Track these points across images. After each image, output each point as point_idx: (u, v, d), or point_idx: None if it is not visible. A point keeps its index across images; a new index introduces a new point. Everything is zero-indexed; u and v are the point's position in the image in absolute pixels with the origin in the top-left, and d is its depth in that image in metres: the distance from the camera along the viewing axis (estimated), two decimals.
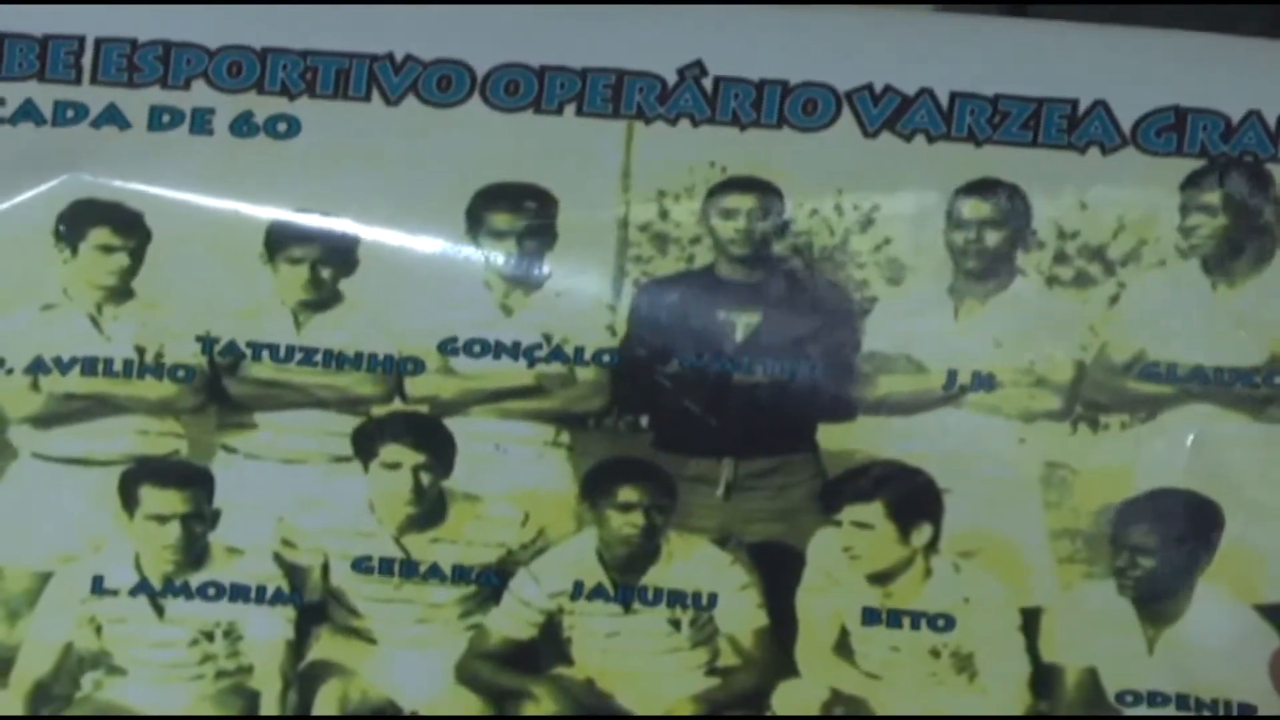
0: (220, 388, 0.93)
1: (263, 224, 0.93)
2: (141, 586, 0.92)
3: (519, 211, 0.93)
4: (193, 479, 0.93)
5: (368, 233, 0.93)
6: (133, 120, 0.93)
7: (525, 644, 0.92)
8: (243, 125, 0.92)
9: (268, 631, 0.92)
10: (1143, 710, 0.89)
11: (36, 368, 0.93)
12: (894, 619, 0.91)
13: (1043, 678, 0.91)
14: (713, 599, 0.92)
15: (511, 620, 0.92)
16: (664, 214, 0.93)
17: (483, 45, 0.92)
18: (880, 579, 0.92)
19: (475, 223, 0.93)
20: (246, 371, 0.93)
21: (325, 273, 0.93)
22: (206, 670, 0.92)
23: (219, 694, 0.92)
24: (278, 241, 0.93)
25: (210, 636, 0.92)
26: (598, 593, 0.92)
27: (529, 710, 0.91)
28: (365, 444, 0.93)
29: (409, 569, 0.92)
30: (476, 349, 0.93)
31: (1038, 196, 0.92)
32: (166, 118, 0.92)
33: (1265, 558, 0.90)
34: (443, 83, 0.92)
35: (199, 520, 0.92)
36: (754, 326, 0.92)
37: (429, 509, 0.93)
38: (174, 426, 0.94)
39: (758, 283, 0.93)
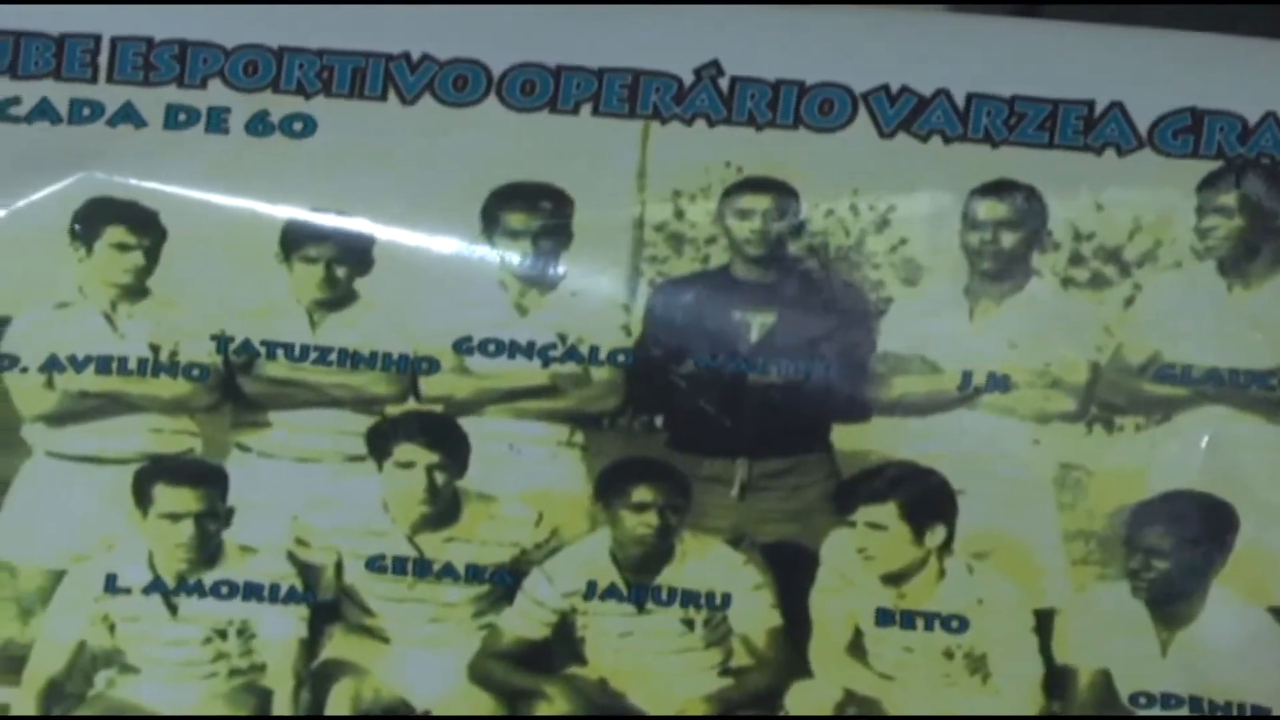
0: (235, 386, 0.93)
1: (278, 223, 0.93)
2: (155, 585, 0.92)
3: (534, 211, 0.93)
4: (206, 477, 0.93)
5: (383, 232, 0.93)
6: (149, 119, 0.93)
7: (538, 644, 0.92)
8: (258, 124, 0.92)
9: (281, 630, 0.92)
10: (1156, 712, 0.89)
11: (51, 366, 0.93)
12: (907, 620, 0.91)
13: (1056, 679, 0.90)
14: (726, 599, 0.92)
15: (525, 620, 0.92)
16: (679, 214, 0.93)
17: (499, 45, 0.92)
18: (894, 580, 0.92)
19: (490, 222, 0.93)
20: (261, 370, 0.93)
21: (340, 272, 0.94)
22: (219, 669, 0.92)
23: (232, 692, 0.92)
24: (293, 240, 0.93)
25: (223, 635, 0.92)
26: (611, 593, 0.92)
27: (542, 710, 0.91)
28: (379, 443, 0.93)
29: (422, 568, 0.92)
30: (491, 348, 0.93)
31: (1054, 198, 0.92)
32: (182, 116, 0.92)
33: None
34: (459, 82, 0.92)
35: (213, 519, 0.92)
36: (769, 327, 0.92)
37: (443, 508, 0.93)
38: (188, 425, 0.94)
39: (773, 283, 0.93)
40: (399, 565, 0.92)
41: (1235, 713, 0.89)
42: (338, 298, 0.94)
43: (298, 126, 0.92)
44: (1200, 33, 0.92)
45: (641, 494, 0.92)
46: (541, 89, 0.92)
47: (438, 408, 0.93)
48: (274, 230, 0.93)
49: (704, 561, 0.92)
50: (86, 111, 0.93)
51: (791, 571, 0.92)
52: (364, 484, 0.93)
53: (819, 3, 0.95)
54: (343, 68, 0.92)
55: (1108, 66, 0.91)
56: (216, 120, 0.92)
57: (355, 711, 0.92)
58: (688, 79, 0.92)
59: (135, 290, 0.94)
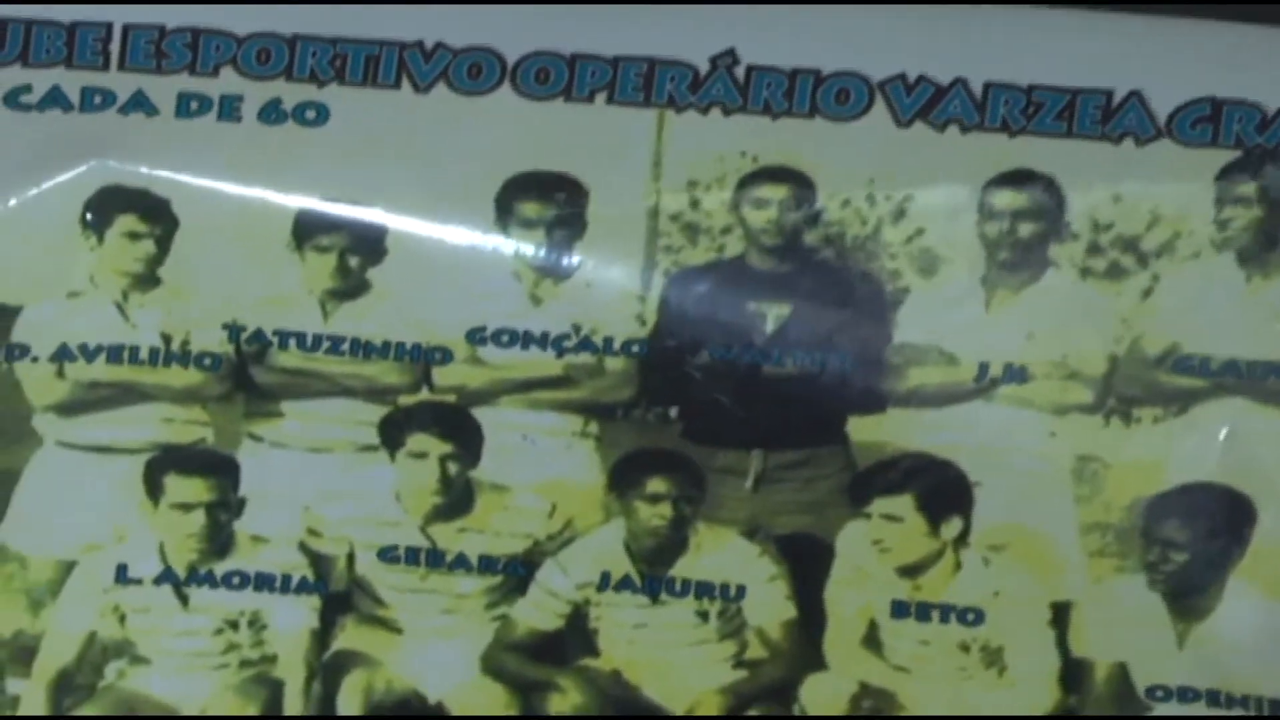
0: (247, 376, 0.93)
1: (291, 212, 0.92)
2: (166, 575, 0.92)
3: (549, 201, 0.92)
4: (218, 467, 0.92)
5: (396, 221, 0.92)
6: (160, 107, 0.92)
7: (552, 635, 0.92)
8: (271, 112, 0.92)
9: (292, 621, 0.92)
10: (1173, 706, 0.89)
11: (62, 355, 0.92)
12: (923, 612, 0.91)
13: (1072, 672, 0.90)
14: (741, 591, 0.91)
15: (538, 611, 0.92)
16: (695, 204, 0.92)
17: (513, 33, 0.92)
18: (909, 572, 0.91)
19: (504, 212, 0.92)
20: (273, 360, 0.93)
21: (353, 261, 0.93)
22: (230, 660, 0.92)
23: (243, 684, 0.92)
24: (305, 230, 0.93)
25: (234, 626, 0.92)
26: (625, 584, 0.91)
27: (555, 701, 0.91)
28: (392, 433, 0.92)
29: (435, 559, 0.92)
30: (505, 339, 0.92)
31: (1071, 188, 0.91)
32: (194, 105, 0.92)
33: None
34: (473, 71, 0.92)
35: (224, 509, 0.92)
36: (784, 318, 0.92)
37: (456, 499, 0.92)
38: (200, 415, 0.93)
39: (789, 274, 0.93)
40: (411, 556, 0.92)
41: (1253, 707, 0.88)
42: (350, 287, 0.93)
43: (310, 115, 0.92)
44: (1219, 22, 0.91)
45: (656, 485, 0.92)
46: (556, 77, 0.91)
47: (451, 398, 0.92)
48: (286, 219, 0.92)
49: (718, 553, 0.92)
50: (98, 100, 0.92)
51: (806, 563, 0.91)
52: (376, 474, 0.92)
53: None
54: (356, 56, 0.92)
55: (1126, 55, 0.91)
56: (229, 108, 0.92)
57: (367, 703, 0.91)
58: (703, 68, 0.91)
59: (147, 279, 0.93)
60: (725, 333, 0.92)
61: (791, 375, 0.91)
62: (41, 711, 0.91)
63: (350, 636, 0.93)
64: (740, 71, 0.91)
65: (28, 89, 0.92)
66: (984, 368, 0.91)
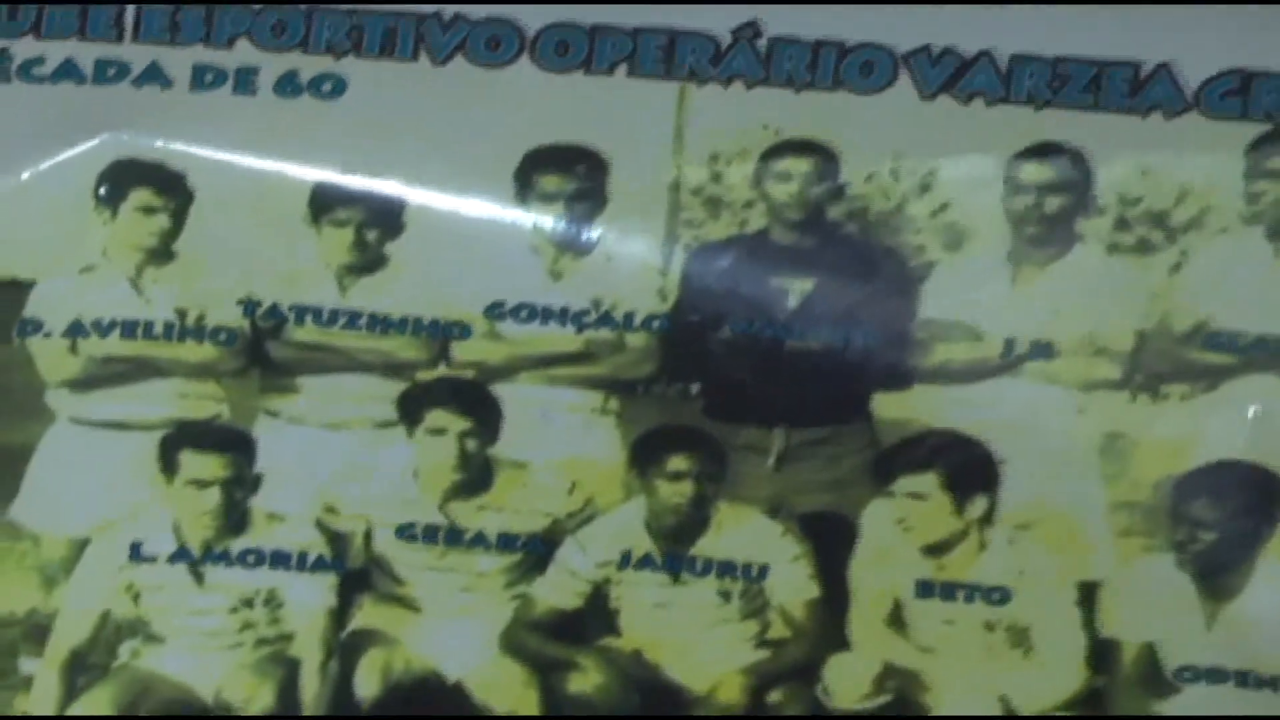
0: (262, 351, 0.92)
1: (307, 185, 0.91)
2: (181, 553, 0.91)
3: (569, 174, 0.91)
4: (233, 443, 0.91)
5: (414, 195, 0.91)
6: (175, 79, 0.91)
7: (571, 614, 0.91)
8: (287, 85, 0.91)
9: (309, 599, 0.91)
10: (1201, 686, 0.88)
11: (75, 330, 0.91)
12: (948, 592, 0.89)
13: (1100, 652, 0.89)
14: (763, 570, 0.90)
15: (558, 590, 0.91)
16: (717, 177, 0.91)
17: (533, 5, 0.90)
18: (934, 551, 0.90)
19: (524, 186, 0.91)
20: (289, 335, 0.92)
21: (370, 235, 0.92)
22: (246, 638, 0.91)
23: (259, 662, 0.91)
24: (322, 203, 0.92)
25: (250, 604, 0.91)
26: (646, 563, 0.90)
27: (575, 681, 0.90)
28: (410, 409, 0.91)
29: (453, 537, 0.91)
30: (524, 314, 0.91)
31: (1099, 161, 0.90)
32: (210, 77, 0.91)
33: None
34: (492, 43, 0.90)
35: (240, 486, 0.91)
36: (808, 293, 0.90)
37: (474, 476, 0.91)
38: (215, 390, 0.92)
39: (812, 248, 0.91)
40: (430, 534, 0.91)
41: None
42: (368, 262, 0.92)
43: (327, 87, 0.91)
44: None
45: (677, 463, 0.90)
46: (576, 49, 0.90)
47: (469, 374, 0.91)
48: (303, 193, 0.91)
49: (741, 531, 0.91)
50: (111, 72, 0.91)
51: (830, 542, 0.90)
52: (394, 451, 0.91)
53: None
54: (373, 27, 0.90)
55: (1155, 27, 0.89)
56: (244, 81, 0.91)
57: (385, 682, 0.90)
58: (725, 39, 0.90)
59: (161, 253, 0.92)
60: (747, 308, 0.90)
61: (815, 351, 0.90)
62: (55, 690, 0.90)
63: (368, 615, 0.91)
64: (763, 43, 0.90)
65: (40, 61, 0.91)
66: (1010, 344, 0.90)
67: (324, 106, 0.91)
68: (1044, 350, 0.90)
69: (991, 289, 0.91)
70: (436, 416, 0.91)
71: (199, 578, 0.91)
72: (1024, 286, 0.91)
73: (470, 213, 0.91)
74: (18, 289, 0.91)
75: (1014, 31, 0.90)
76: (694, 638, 0.90)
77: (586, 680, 0.90)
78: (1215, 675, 0.88)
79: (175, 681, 0.90)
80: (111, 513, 0.91)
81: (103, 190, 0.92)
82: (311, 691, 0.90)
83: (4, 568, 0.91)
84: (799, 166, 0.91)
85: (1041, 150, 0.90)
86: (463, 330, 0.91)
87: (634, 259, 0.91)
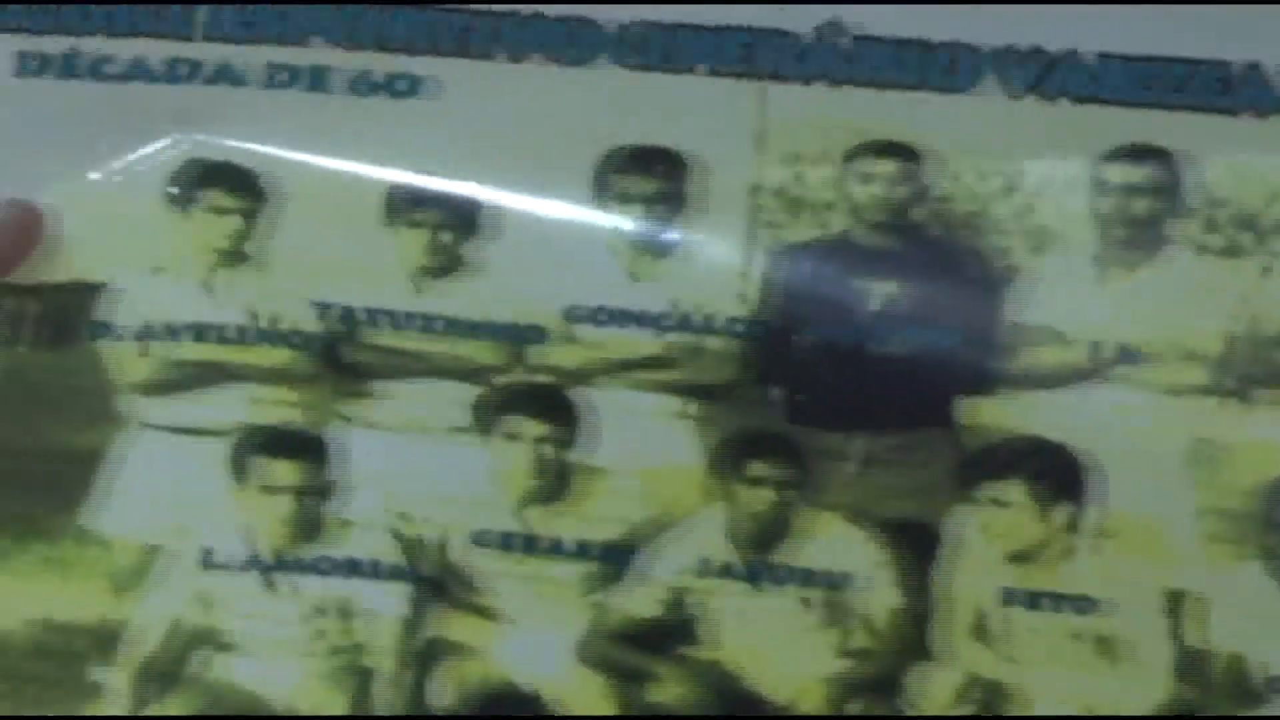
0: (336, 355, 0.90)
1: (382, 186, 0.90)
2: (253, 560, 0.89)
3: (648, 175, 0.89)
4: (307, 449, 0.90)
5: (490, 196, 0.90)
6: (248, 78, 0.90)
7: (650, 622, 0.89)
8: (362, 83, 0.89)
9: (383, 608, 0.89)
10: None
11: (146, 333, 0.90)
12: (1033, 600, 0.88)
13: (1188, 663, 0.87)
14: (845, 578, 0.89)
15: (636, 598, 0.89)
16: (798, 178, 0.89)
17: (611, 2, 0.89)
18: (1019, 559, 0.88)
19: (602, 186, 0.90)
20: (363, 338, 0.90)
21: (446, 237, 0.90)
22: (319, 647, 0.89)
23: (332, 672, 0.89)
24: (397, 204, 0.90)
25: (323, 612, 0.89)
26: (726, 571, 0.89)
27: (654, 691, 0.88)
28: (485, 414, 0.90)
29: (530, 544, 0.89)
30: (602, 317, 0.89)
31: (1188, 162, 0.88)
32: (283, 75, 0.89)
33: None
34: (570, 40, 0.89)
35: (313, 492, 0.89)
36: (891, 296, 0.89)
37: (551, 482, 0.90)
38: (288, 395, 0.91)
39: (895, 250, 0.90)
40: (505, 541, 0.89)
41: None
42: (443, 264, 0.91)
43: (403, 86, 0.89)
44: None
45: (758, 469, 0.89)
46: (656, 47, 0.89)
47: (547, 378, 0.90)
48: (378, 194, 0.90)
49: (822, 539, 0.89)
50: (184, 70, 0.90)
51: (913, 549, 0.89)
52: (469, 456, 0.90)
53: None
54: (450, 25, 0.89)
55: (1245, 25, 0.88)
56: (318, 79, 0.89)
57: (460, 691, 0.89)
58: (808, 37, 0.89)
59: (233, 255, 0.91)
60: (829, 311, 0.89)
61: (897, 355, 0.88)
62: (125, 699, 0.88)
63: (442, 624, 0.90)
64: (846, 41, 0.89)
65: (111, 59, 0.90)
66: (1096, 348, 0.88)
67: (399, 106, 0.89)
68: (1131, 355, 0.88)
69: (1077, 292, 0.89)
70: (513, 422, 0.90)
71: (271, 585, 0.89)
72: (1111, 290, 0.89)
73: (547, 214, 0.89)
74: (88, 291, 0.90)
75: (1102, 30, 0.88)
76: (774, 647, 0.89)
77: (665, 690, 0.88)
78: None
79: (246, 691, 0.89)
80: (182, 519, 0.90)
81: (174, 191, 0.90)
82: (385, 701, 0.88)
83: (73, 575, 0.90)
84: (882, 167, 0.89)
85: (1130, 151, 0.88)
86: (539, 334, 0.90)
87: (714, 261, 0.89)
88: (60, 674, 0.89)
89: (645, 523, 0.89)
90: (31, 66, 0.90)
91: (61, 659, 0.89)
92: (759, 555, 0.89)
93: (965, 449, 0.89)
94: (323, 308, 0.90)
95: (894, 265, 0.89)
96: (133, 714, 0.88)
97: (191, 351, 0.90)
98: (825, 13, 0.89)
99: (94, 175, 0.90)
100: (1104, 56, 0.88)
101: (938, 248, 0.90)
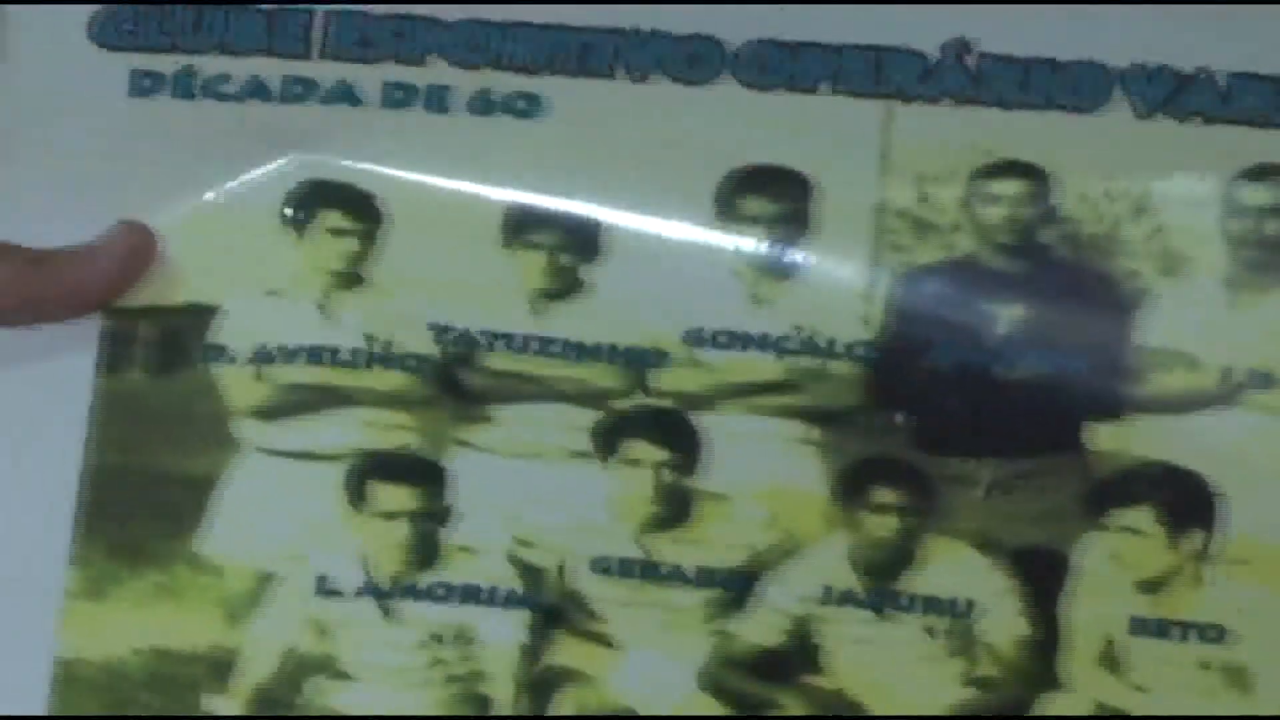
0: (453, 379, 0.89)
1: (500, 207, 0.88)
2: (368, 587, 0.88)
3: (771, 196, 0.88)
4: (424, 474, 0.88)
5: (611, 217, 0.88)
6: (365, 97, 0.88)
7: (773, 651, 0.88)
8: (481, 103, 0.88)
9: (501, 635, 0.88)
10: None
11: (261, 357, 0.89)
12: (1163, 629, 0.86)
13: None
14: (971, 606, 0.87)
15: (758, 626, 0.88)
16: (924, 199, 0.88)
17: (734, 20, 0.88)
18: (1149, 587, 0.87)
19: (725, 207, 0.88)
20: (481, 362, 0.89)
21: (565, 259, 0.89)
22: (436, 675, 0.88)
23: (449, 700, 0.88)
24: (516, 226, 0.89)
25: (440, 640, 0.88)
26: (849, 598, 0.87)
27: None
28: (605, 439, 0.88)
29: (650, 571, 0.88)
30: (724, 340, 0.88)
31: None
32: (400, 94, 0.88)
33: None
34: (692, 59, 0.88)
35: (430, 518, 0.88)
36: (1017, 319, 0.88)
37: (672, 508, 0.88)
38: (405, 419, 0.89)
39: (1022, 273, 0.88)
40: (626, 567, 0.88)
41: None
42: (562, 286, 0.89)
43: (522, 105, 0.88)
44: None
45: (882, 495, 0.87)
46: (779, 66, 0.87)
47: (667, 402, 0.88)
48: (496, 215, 0.89)
49: (948, 566, 0.88)
50: (299, 89, 0.88)
51: (1041, 577, 0.87)
52: (589, 482, 0.88)
53: None
54: (570, 43, 0.88)
55: None
56: (437, 98, 0.88)
57: None
58: (934, 56, 0.87)
59: (350, 277, 0.89)
60: (955, 335, 0.87)
61: (1025, 380, 0.87)
62: None
63: (561, 651, 0.88)
64: (972, 60, 0.87)
65: (226, 78, 0.88)
66: (1228, 372, 0.87)
67: (518, 125, 0.88)
68: (1263, 379, 0.87)
69: (1209, 315, 0.88)
70: (633, 447, 0.88)
71: (387, 612, 0.88)
72: (1243, 313, 0.88)
73: (669, 235, 0.88)
74: (202, 314, 0.89)
75: (1234, 49, 0.87)
76: (899, 676, 0.87)
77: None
78: None
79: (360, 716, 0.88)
80: (297, 545, 0.88)
81: (290, 212, 0.89)
82: None
83: (186, 601, 0.88)
84: (1009, 188, 0.88)
85: (1263, 171, 0.87)
86: (660, 357, 0.88)
87: (838, 284, 0.88)
88: (173, 703, 0.88)
89: (767, 549, 0.88)
90: (144, 86, 0.89)
91: (174, 688, 0.88)
92: (883, 583, 0.87)
93: (1093, 475, 0.88)
94: (439, 330, 0.88)
95: (1021, 288, 0.88)
96: None
97: (306, 375, 0.89)
98: (952, 31, 0.87)
99: (208, 196, 0.88)
100: (1236, 75, 0.86)
101: (1065, 270, 0.88)
